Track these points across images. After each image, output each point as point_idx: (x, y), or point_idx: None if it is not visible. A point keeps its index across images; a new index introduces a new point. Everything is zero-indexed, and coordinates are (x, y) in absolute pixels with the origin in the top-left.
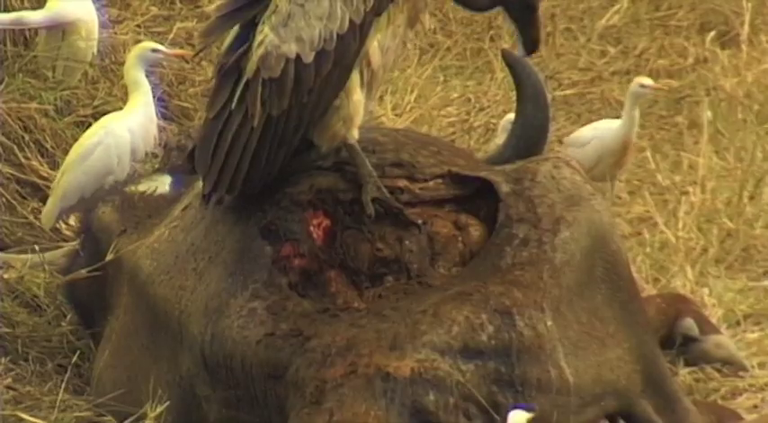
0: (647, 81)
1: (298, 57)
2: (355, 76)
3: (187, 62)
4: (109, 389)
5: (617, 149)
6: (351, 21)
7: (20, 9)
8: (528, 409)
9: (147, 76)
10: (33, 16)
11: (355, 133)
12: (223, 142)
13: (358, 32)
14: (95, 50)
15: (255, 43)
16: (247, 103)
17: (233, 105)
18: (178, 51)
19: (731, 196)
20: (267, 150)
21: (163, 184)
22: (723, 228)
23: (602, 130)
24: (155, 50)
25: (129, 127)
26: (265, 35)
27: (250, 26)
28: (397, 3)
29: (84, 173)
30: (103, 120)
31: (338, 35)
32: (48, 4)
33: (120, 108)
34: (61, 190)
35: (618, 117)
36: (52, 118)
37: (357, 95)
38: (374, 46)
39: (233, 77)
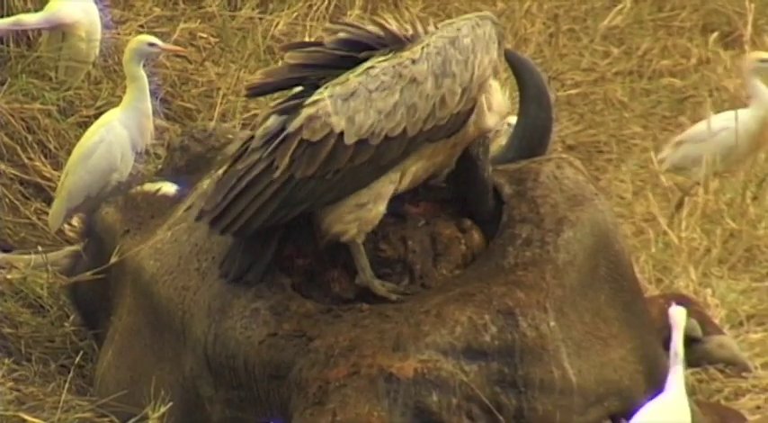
0: (765, 55)
1: (341, 134)
2: (390, 187)
3: (185, 58)
4: (112, 389)
5: (756, 131)
6: (405, 130)
7: (21, 10)
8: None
9: (144, 70)
10: (31, 18)
11: (363, 237)
12: (239, 183)
13: (405, 145)
14: (98, 51)
15: (309, 101)
16: (277, 154)
17: (264, 153)
18: (174, 47)
19: (734, 197)
20: (273, 206)
21: (166, 185)
22: (726, 228)
23: (731, 121)
24: (151, 44)
25: (124, 122)
26: (321, 98)
27: (312, 88)
28: (447, 142)
29: (89, 172)
30: (102, 118)
31: (386, 135)
32: (47, 6)
33: None
34: (66, 191)
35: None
36: (55, 118)
37: (383, 206)
38: (411, 168)
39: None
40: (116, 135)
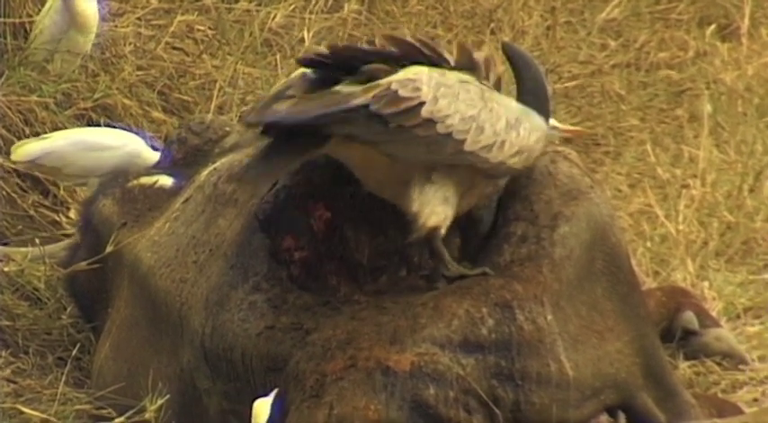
0: None
1: (421, 104)
2: (456, 193)
3: (182, 50)
4: (109, 382)
5: None
6: (465, 141)
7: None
8: None
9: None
10: None
11: (443, 232)
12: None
13: (457, 153)
14: (95, 43)
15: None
16: (362, 89)
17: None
18: None
19: (731, 189)
20: (333, 113)
21: (164, 178)
22: (723, 221)
23: None
24: None
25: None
26: (419, 70)
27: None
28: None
29: (90, 154)
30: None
31: (451, 133)
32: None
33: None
34: (54, 140)
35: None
36: (53, 111)
37: (453, 210)
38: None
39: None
40: (144, 152)
